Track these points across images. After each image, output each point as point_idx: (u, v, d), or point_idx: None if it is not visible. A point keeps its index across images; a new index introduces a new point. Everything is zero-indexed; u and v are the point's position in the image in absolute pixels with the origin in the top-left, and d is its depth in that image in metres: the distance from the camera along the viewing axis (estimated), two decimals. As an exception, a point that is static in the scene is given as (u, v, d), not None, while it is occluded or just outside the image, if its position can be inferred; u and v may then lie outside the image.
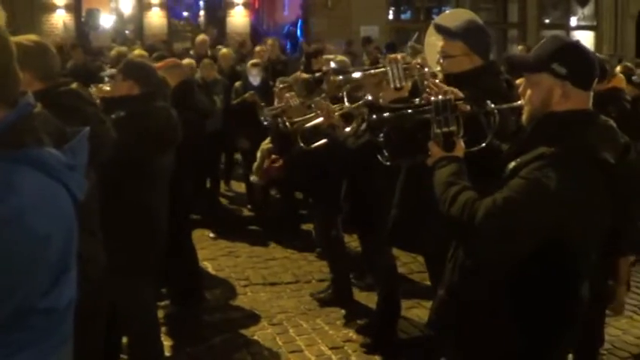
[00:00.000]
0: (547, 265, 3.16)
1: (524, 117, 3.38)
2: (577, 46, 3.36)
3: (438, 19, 5.39)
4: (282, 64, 13.89)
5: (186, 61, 10.39)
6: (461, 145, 3.45)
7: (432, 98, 3.52)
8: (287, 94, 7.15)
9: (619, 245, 5.71)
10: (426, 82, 3.84)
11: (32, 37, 4.14)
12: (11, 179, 1.89)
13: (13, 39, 2.21)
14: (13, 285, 1.87)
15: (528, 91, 3.32)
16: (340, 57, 8.44)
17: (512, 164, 3.20)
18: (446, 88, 3.64)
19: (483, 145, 3.55)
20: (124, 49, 11.87)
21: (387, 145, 4.04)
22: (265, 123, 7.92)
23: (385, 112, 3.91)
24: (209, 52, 14.10)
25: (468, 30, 4.55)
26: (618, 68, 7.65)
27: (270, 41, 14.80)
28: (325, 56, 9.24)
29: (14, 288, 1.88)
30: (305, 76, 8.44)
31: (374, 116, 3.92)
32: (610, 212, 3.22)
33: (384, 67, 4.72)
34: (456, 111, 3.50)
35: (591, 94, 3.29)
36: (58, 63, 4.32)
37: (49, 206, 1.97)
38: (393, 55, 4.70)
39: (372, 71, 5.41)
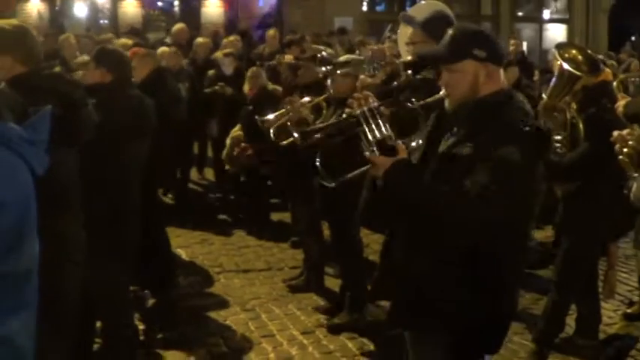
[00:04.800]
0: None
1: (450, 104, 3.57)
2: (484, 31, 3.84)
3: (409, 10, 5.57)
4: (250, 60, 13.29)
5: (163, 49, 10.41)
6: (402, 147, 3.47)
7: (357, 111, 3.49)
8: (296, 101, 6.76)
9: (609, 230, 5.90)
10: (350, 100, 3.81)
11: (13, 21, 4.19)
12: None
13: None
14: None
15: (451, 81, 3.52)
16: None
17: (465, 150, 3.36)
18: (366, 102, 3.62)
19: (414, 143, 3.67)
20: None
21: (326, 168, 3.96)
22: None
23: (313, 135, 3.76)
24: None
25: (428, 18, 4.80)
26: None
27: (232, 37, 14.27)
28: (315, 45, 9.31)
29: None
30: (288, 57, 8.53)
31: (303, 142, 3.84)
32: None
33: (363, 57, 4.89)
34: (384, 116, 3.49)
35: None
36: (39, 47, 4.36)
37: (4, 176, 2.05)
38: (370, 46, 4.89)
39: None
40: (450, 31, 3.62)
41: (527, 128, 3.38)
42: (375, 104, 3.51)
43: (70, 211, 4.21)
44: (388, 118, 3.53)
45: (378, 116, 3.45)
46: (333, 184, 3.74)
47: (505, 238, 3.43)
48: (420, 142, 3.64)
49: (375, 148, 3.42)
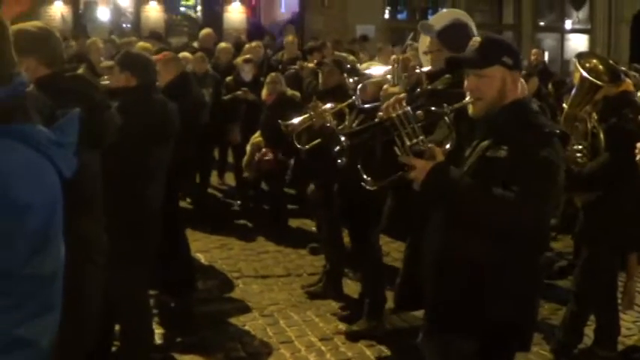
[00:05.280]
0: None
1: (476, 109, 3.64)
2: (508, 40, 4.10)
3: (430, 19, 5.64)
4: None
5: (186, 53, 10.44)
6: (439, 150, 3.52)
7: (393, 114, 3.52)
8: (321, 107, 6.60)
9: (629, 241, 5.88)
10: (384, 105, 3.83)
11: (37, 23, 4.21)
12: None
13: (19, 25, 2.30)
14: None
15: (480, 85, 3.62)
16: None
17: (501, 153, 3.49)
18: (400, 106, 3.61)
19: (448, 146, 3.68)
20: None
21: (367, 170, 3.98)
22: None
23: (360, 136, 3.83)
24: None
25: (445, 27, 4.87)
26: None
27: (254, 44, 14.19)
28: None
29: None
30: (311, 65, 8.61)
31: (338, 147, 3.90)
32: None
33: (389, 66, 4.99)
34: (418, 119, 3.51)
35: None
36: (63, 49, 4.39)
37: (33, 178, 2.06)
38: (395, 56, 5.01)
39: (383, 71, 5.62)
40: (477, 39, 3.77)
41: (557, 131, 3.58)
42: (409, 108, 3.54)
43: (93, 214, 4.24)
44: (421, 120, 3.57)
45: (413, 120, 3.49)
46: (374, 188, 3.78)
47: (533, 241, 3.61)
48: (449, 146, 3.65)
49: (410, 152, 3.47)
